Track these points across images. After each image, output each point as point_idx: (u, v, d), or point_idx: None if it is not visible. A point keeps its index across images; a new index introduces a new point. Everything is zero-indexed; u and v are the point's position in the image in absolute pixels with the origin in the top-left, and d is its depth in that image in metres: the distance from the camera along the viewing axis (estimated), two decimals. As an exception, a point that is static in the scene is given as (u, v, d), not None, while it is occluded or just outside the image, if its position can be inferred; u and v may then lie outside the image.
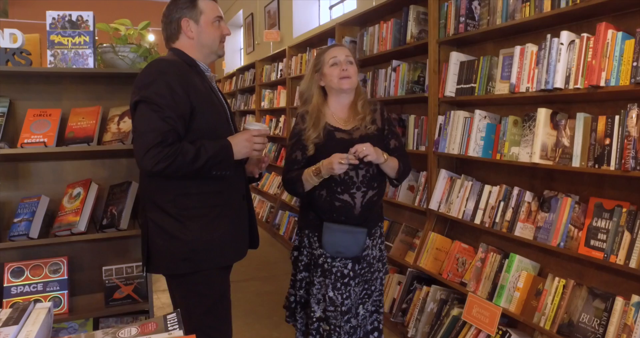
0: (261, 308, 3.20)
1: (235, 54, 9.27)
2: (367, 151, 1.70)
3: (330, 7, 5.29)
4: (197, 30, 1.58)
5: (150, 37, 2.28)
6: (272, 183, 5.69)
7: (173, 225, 1.52)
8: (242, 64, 7.40)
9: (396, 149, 1.90)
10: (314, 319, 1.87)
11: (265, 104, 5.96)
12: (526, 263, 2.12)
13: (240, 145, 1.52)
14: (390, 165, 1.82)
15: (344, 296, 1.83)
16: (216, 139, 1.52)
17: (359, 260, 1.85)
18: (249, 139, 1.53)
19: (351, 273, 1.84)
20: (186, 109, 1.47)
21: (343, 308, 1.82)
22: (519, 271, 2.09)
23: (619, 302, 1.68)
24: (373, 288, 1.90)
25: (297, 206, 4.78)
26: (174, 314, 0.77)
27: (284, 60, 5.17)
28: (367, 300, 1.90)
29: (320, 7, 5.61)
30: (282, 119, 5.38)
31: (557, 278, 1.91)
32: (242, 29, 8.27)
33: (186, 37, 1.59)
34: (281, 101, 5.34)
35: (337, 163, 1.68)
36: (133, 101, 1.48)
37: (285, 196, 5.03)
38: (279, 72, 5.45)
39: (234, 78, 7.62)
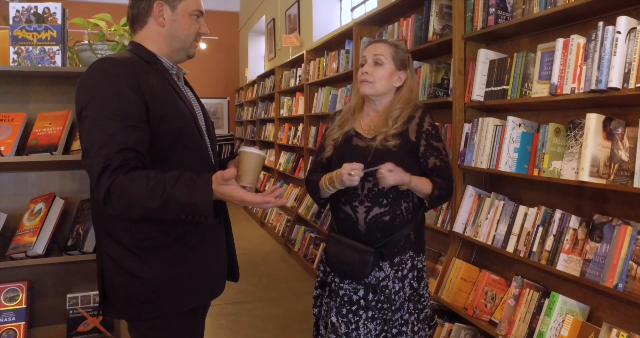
0: (264, 335, 2.88)
1: (259, 61, 9.09)
2: (384, 176, 1.45)
3: (352, 9, 4.99)
4: (171, 19, 1.30)
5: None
6: (289, 194, 5.39)
7: (129, 259, 1.22)
8: (265, 70, 7.19)
9: (435, 170, 1.58)
10: None
11: (284, 112, 5.70)
12: (572, 305, 1.71)
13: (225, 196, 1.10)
14: (417, 188, 1.54)
15: (350, 327, 1.55)
16: (181, 157, 1.21)
17: (375, 289, 1.56)
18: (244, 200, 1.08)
19: (362, 302, 1.56)
20: (141, 116, 1.17)
21: None
22: (563, 314, 1.69)
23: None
24: (395, 331, 1.56)
25: (313, 221, 4.47)
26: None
27: (302, 65, 4.90)
28: None
29: (342, 9, 5.32)
30: (300, 127, 5.09)
31: (614, 330, 1.50)
32: (264, 36, 8.08)
33: (155, 24, 1.29)
34: (299, 109, 5.05)
35: (346, 175, 1.45)
36: (77, 112, 1.20)
37: (302, 210, 4.72)
38: (298, 78, 5.18)
39: (255, 86, 7.41)
